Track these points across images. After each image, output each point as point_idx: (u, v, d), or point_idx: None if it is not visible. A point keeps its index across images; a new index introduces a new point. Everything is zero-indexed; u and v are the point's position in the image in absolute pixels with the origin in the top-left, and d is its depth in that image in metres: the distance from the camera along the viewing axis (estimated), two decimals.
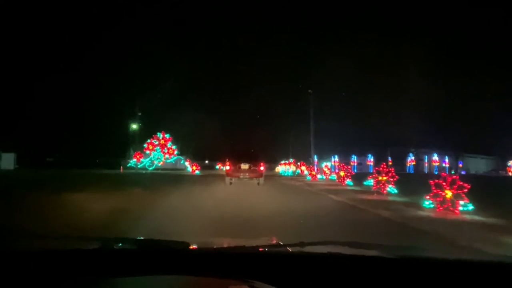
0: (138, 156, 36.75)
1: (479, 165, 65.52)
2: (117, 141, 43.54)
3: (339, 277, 1.43)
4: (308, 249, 1.71)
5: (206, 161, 70.61)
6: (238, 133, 69.10)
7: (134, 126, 57.12)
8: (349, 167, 17.07)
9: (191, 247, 1.71)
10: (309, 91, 38.40)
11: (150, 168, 44.34)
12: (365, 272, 1.46)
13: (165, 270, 1.41)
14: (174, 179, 22.38)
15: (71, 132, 48.57)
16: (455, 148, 61.03)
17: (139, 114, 36.25)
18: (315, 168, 24.06)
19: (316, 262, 1.55)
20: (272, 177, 30.65)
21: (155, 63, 49.86)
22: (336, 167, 21.42)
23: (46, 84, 45.51)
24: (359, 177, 17.75)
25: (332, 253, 1.62)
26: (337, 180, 16.93)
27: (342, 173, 16.42)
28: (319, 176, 23.62)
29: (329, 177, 20.25)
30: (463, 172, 58.84)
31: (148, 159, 45.68)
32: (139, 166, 41.94)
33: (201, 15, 65.49)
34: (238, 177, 16.77)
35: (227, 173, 16.95)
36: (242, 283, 1.29)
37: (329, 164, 20.93)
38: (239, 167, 16.77)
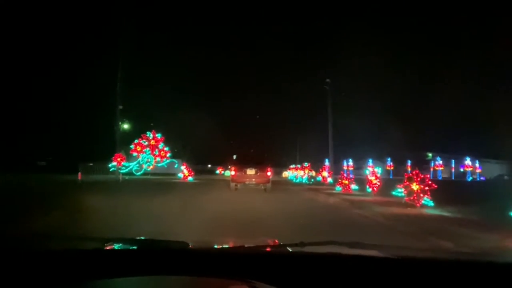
0: (119, 159, 30.05)
1: (494, 169, 59.52)
2: (105, 142, 37.34)
3: (339, 277, 1.41)
4: (308, 249, 1.69)
5: (209, 165, 65.59)
6: (242, 135, 63.00)
7: (125, 125, 51.34)
8: (427, 176, 10.19)
9: (191, 247, 1.69)
10: (327, 80, 31.93)
11: (138, 173, 37.75)
12: (365, 272, 1.43)
13: (165, 270, 1.40)
14: (151, 191, 15.71)
15: (60, 133, 42.62)
16: (472, 152, 54.53)
17: (120, 107, 29.57)
18: (346, 175, 17.30)
19: (316, 262, 1.53)
20: (283, 185, 24.03)
21: (150, 59, 44.35)
22: (371, 173, 14.54)
23: (32, 82, 39.68)
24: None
25: (332, 253, 1.60)
26: (406, 198, 10.12)
27: (415, 186, 9.67)
28: (353, 186, 16.87)
29: (381, 190, 13.16)
30: (482, 178, 52.61)
31: (135, 162, 39.13)
32: (122, 171, 35.36)
33: (201, 6, 59.34)
34: (244, 182, 16.13)
35: (232, 179, 16.23)
36: (242, 283, 1.26)
37: (378, 170, 14.00)
38: (245, 172, 16.01)
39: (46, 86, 40.82)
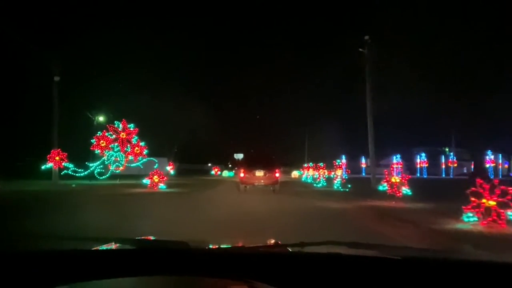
0: (57, 158, 20.17)
1: None
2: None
3: (339, 277, 1.39)
4: (308, 249, 1.68)
5: (209, 164, 59.01)
6: (242, 132, 54.23)
7: (101, 118, 41.75)
8: None
9: (191, 247, 1.64)
10: (365, 38, 22.04)
11: (103, 177, 27.92)
12: (365, 272, 1.41)
13: (165, 270, 1.38)
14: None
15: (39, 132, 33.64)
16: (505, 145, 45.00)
17: (57, 79, 19.74)
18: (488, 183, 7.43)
19: (316, 262, 1.51)
20: (304, 195, 15.17)
21: (145, 52, 36.03)
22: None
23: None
24: None
25: (331, 253, 1.56)
26: None
27: None
28: (510, 213, 7.05)
29: None
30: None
31: (99, 162, 29.25)
32: (79, 174, 25.48)
33: None
34: (253, 184, 16.64)
35: (241, 180, 16.85)
36: (242, 283, 1.25)
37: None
38: (254, 174, 16.58)
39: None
